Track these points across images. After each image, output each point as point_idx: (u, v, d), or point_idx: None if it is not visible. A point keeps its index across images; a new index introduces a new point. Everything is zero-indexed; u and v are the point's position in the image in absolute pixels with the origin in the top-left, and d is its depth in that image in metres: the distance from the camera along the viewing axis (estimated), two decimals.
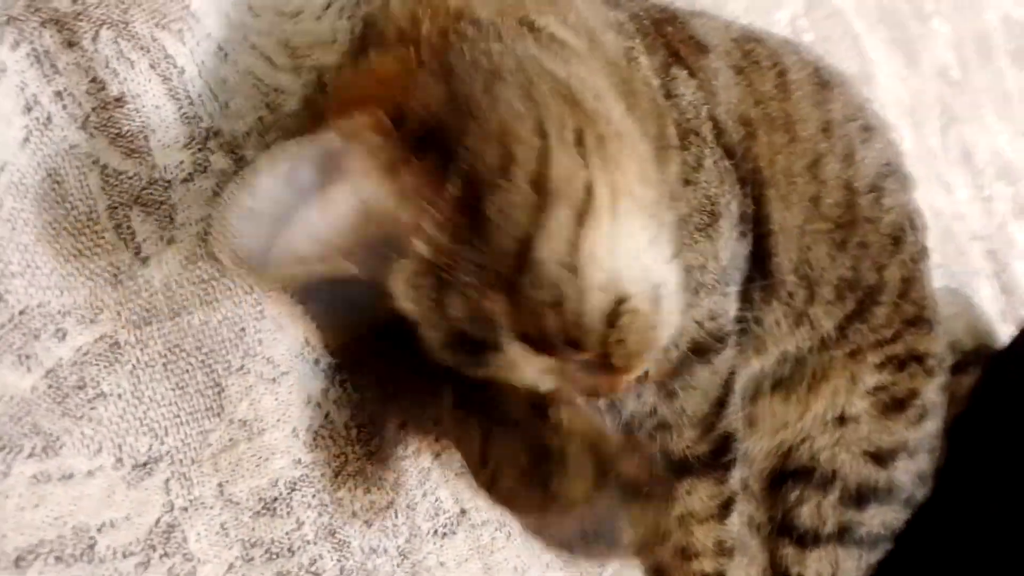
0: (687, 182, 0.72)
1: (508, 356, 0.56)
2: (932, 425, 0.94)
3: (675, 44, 0.81)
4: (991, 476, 0.97)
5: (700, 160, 0.73)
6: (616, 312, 0.57)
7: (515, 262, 0.54)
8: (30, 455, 0.54)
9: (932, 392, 0.94)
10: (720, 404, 0.82)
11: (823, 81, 0.93)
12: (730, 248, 0.77)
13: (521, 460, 0.60)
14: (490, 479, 0.63)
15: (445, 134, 0.54)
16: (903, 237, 0.93)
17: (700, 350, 0.77)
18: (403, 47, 0.58)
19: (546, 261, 0.54)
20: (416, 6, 0.60)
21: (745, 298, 0.84)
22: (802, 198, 0.87)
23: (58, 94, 0.59)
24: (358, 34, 0.68)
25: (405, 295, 0.54)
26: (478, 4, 0.61)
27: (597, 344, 0.57)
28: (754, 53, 0.89)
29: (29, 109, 0.58)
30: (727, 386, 0.81)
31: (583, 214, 0.55)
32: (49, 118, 0.59)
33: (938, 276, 1.23)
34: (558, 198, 0.55)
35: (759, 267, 0.85)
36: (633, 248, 0.58)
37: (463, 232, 0.53)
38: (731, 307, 0.80)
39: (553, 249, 0.54)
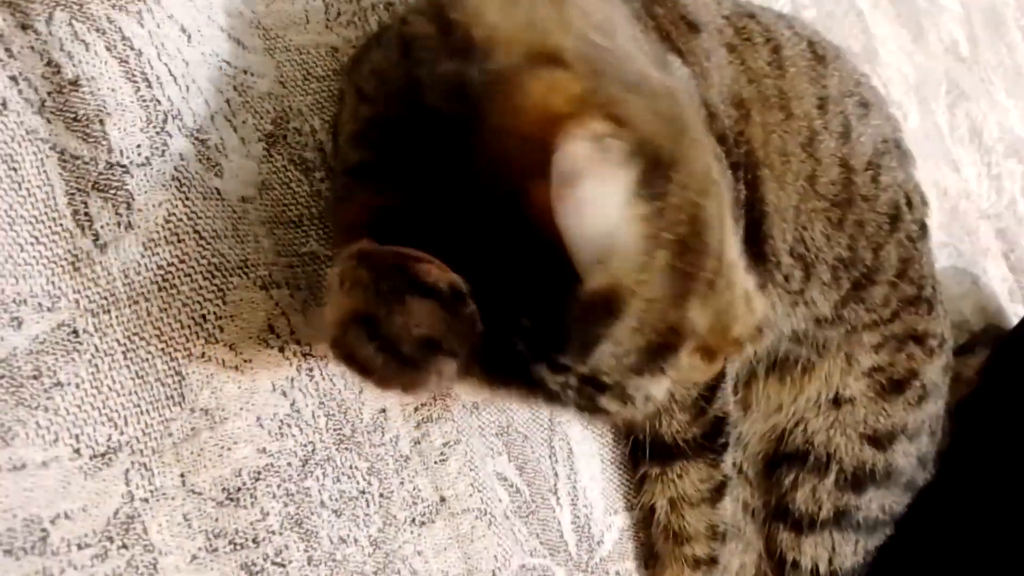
0: None
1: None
2: (933, 407, 0.92)
3: (666, 27, 0.80)
4: (999, 459, 0.95)
5: None
6: None
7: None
8: None
9: (933, 373, 0.92)
10: (711, 388, 0.81)
11: (818, 56, 0.91)
12: None
13: None
14: None
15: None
16: (900, 215, 0.90)
17: None
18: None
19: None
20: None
21: None
22: (797, 177, 0.85)
23: (13, 79, 0.58)
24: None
25: None
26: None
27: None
28: (747, 29, 0.87)
29: None
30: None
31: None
32: (4, 103, 0.58)
33: (945, 255, 1.21)
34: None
35: (755, 252, 0.83)
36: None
37: None
38: None
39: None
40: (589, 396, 0.55)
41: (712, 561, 0.83)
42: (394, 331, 0.50)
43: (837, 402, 0.88)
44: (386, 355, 0.50)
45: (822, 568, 0.87)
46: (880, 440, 0.88)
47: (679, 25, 0.81)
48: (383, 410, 0.69)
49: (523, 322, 0.52)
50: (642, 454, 0.83)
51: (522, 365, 0.53)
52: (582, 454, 0.82)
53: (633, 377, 0.55)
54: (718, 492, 0.83)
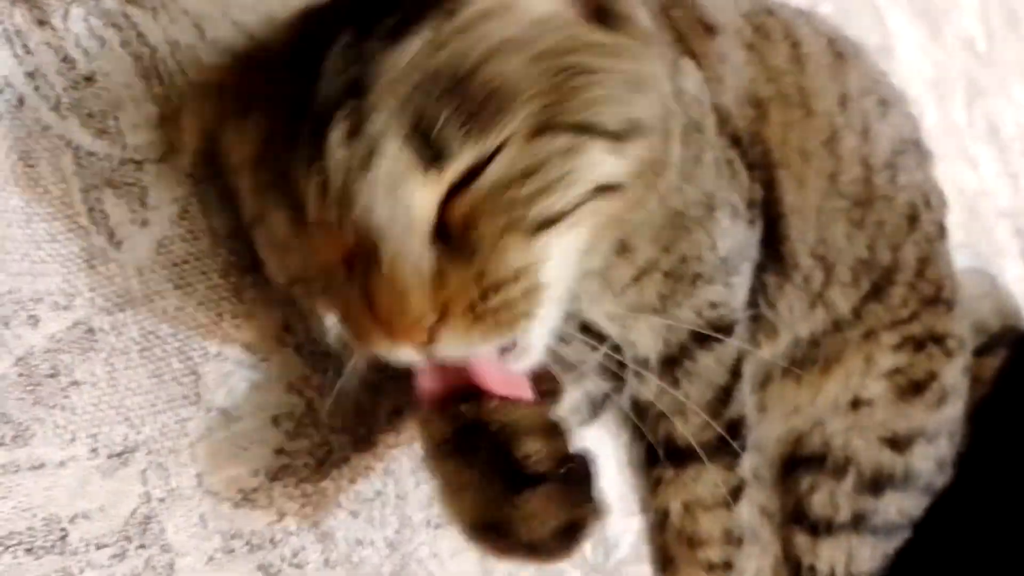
0: (685, 177, 0.70)
1: None
2: (952, 409, 0.91)
3: (682, 29, 0.79)
4: (1018, 461, 0.94)
5: (699, 156, 0.71)
6: None
7: None
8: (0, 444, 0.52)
9: (952, 374, 0.91)
10: (726, 391, 0.80)
11: (838, 53, 0.90)
12: (731, 239, 0.75)
13: None
14: None
15: None
16: (918, 216, 0.90)
17: (701, 338, 0.75)
18: None
19: None
20: None
21: (758, 285, 0.82)
22: (819, 176, 0.84)
23: (30, 75, 0.58)
24: None
25: None
26: None
27: None
28: (766, 26, 0.87)
29: (1, 91, 0.57)
30: (734, 373, 0.79)
31: None
32: (21, 100, 0.57)
33: (963, 255, 1.20)
34: None
35: (771, 253, 0.82)
36: None
37: None
38: (735, 296, 0.77)
39: None
40: None
41: (727, 565, 0.82)
42: (527, 539, 0.51)
43: (856, 404, 0.87)
44: (529, 553, 0.52)
45: (839, 572, 0.86)
46: (899, 443, 0.87)
47: (696, 27, 0.80)
48: (398, 410, 0.69)
49: None
50: (656, 456, 0.82)
51: None
52: (598, 456, 0.81)
53: None
54: (734, 496, 0.82)
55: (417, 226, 0.47)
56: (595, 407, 0.76)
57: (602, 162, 0.51)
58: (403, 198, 0.46)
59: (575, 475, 0.53)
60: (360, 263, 0.47)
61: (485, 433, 0.52)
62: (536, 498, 0.51)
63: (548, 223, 0.49)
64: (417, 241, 0.47)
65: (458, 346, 0.48)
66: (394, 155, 0.45)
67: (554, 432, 0.54)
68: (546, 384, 0.59)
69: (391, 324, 0.46)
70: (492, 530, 0.52)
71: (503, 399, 0.53)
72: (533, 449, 0.52)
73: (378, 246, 0.46)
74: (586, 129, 0.50)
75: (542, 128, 0.48)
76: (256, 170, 0.50)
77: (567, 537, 0.52)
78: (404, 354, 0.48)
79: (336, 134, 0.45)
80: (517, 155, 0.48)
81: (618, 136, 0.52)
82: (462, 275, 0.47)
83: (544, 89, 0.48)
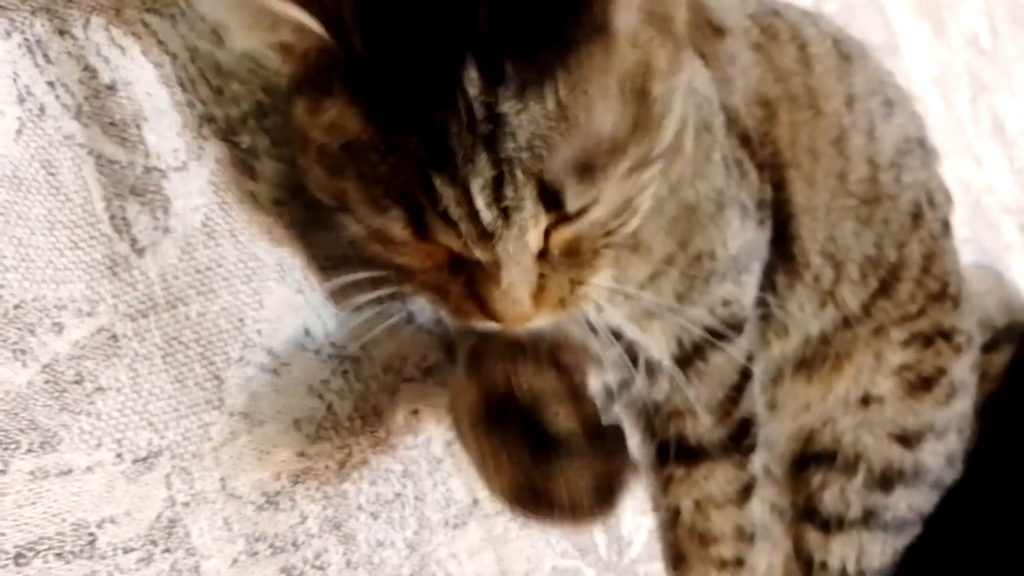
0: (697, 173, 0.71)
1: None
2: (961, 405, 0.92)
3: (690, 31, 0.79)
4: None
5: (709, 154, 0.72)
6: None
7: None
8: (28, 451, 0.53)
9: (961, 370, 0.92)
10: (737, 389, 0.81)
11: (844, 53, 0.91)
12: (741, 237, 0.76)
13: None
14: None
15: None
16: (922, 214, 0.91)
17: (713, 335, 0.76)
18: None
19: None
20: None
21: (768, 284, 0.83)
22: (828, 175, 0.85)
23: (51, 84, 0.58)
24: None
25: None
26: None
27: None
28: (773, 27, 0.87)
29: (22, 100, 0.57)
30: (744, 372, 0.80)
31: None
32: (42, 109, 0.58)
33: (968, 251, 1.20)
34: None
35: (781, 252, 0.83)
36: None
37: None
38: (746, 294, 0.78)
39: None
40: None
41: (739, 562, 0.83)
42: (565, 500, 0.54)
43: (865, 401, 0.88)
44: (569, 513, 0.54)
45: (850, 568, 0.87)
46: (909, 439, 0.88)
47: (704, 29, 0.81)
48: (415, 411, 0.69)
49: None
50: (667, 455, 0.83)
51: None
52: None
53: None
54: (745, 493, 0.83)
55: (531, 252, 0.53)
56: (610, 397, 0.77)
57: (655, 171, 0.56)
58: (527, 236, 0.52)
59: (605, 435, 0.55)
60: (472, 270, 0.53)
61: (514, 401, 0.56)
62: (568, 460, 0.54)
63: (629, 237, 0.58)
64: (529, 263, 0.53)
65: (543, 324, 0.57)
66: (529, 211, 0.51)
67: (581, 396, 0.57)
68: (574, 357, 0.62)
69: (498, 316, 0.54)
70: (529, 496, 0.55)
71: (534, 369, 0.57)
72: (560, 412, 0.55)
73: (496, 272, 0.52)
74: (661, 154, 0.55)
75: (637, 166, 0.53)
76: (343, 155, 0.52)
77: (604, 496, 0.54)
78: (495, 327, 0.56)
79: (478, 190, 0.49)
80: (615, 193, 0.53)
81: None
82: (559, 281, 0.55)
83: (640, 131, 0.53)
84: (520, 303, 0.53)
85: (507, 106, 0.48)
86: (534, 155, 0.49)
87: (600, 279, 0.58)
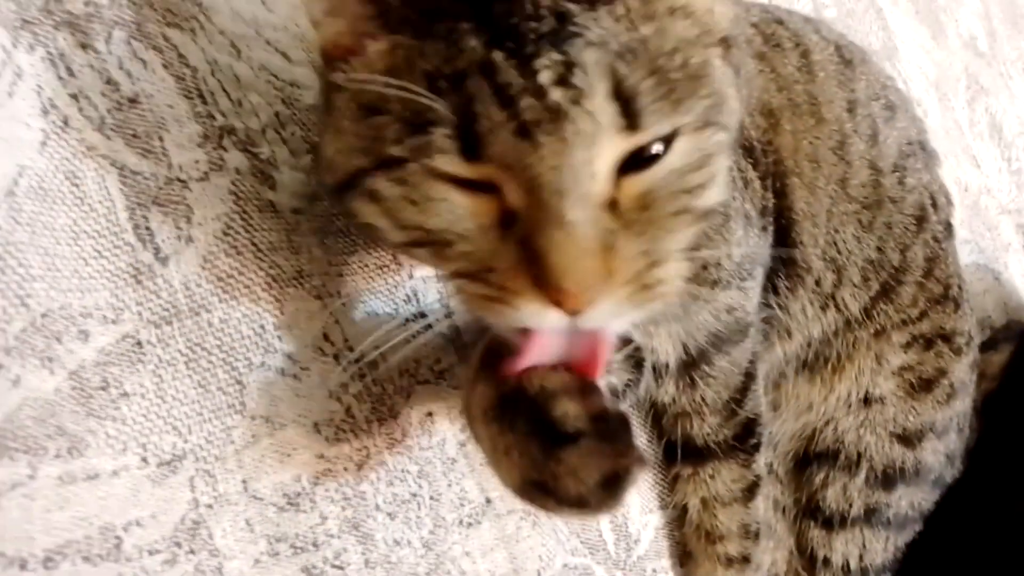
0: None
1: None
2: (961, 404, 0.94)
3: None
4: None
5: None
6: None
7: None
8: (56, 456, 0.54)
9: (961, 371, 0.93)
10: (741, 391, 0.82)
11: (846, 60, 0.92)
12: (745, 245, 0.77)
13: None
14: None
15: None
16: (926, 216, 0.92)
17: (718, 340, 0.77)
18: None
19: None
20: None
21: (771, 288, 0.84)
22: (829, 181, 0.86)
23: (74, 96, 0.60)
24: None
25: None
26: None
27: None
28: (776, 35, 0.89)
29: (46, 112, 0.59)
30: (748, 374, 0.82)
31: None
32: (66, 120, 0.59)
33: (967, 251, 1.22)
34: None
35: (784, 257, 0.84)
36: None
37: None
38: (749, 300, 0.80)
39: None
40: None
41: (745, 559, 0.85)
42: (572, 494, 0.53)
43: (867, 401, 0.90)
44: (577, 506, 0.54)
45: (853, 565, 0.88)
46: (910, 438, 0.89)
47: None
48: (429, 413, 0.71)
49: None
50: (674, 455, 0.84)
51: None
52: None
53: None
54: (750, 492, 0.85)
55: (598, 190, 0.48)
56: (616, 398, 0.78)
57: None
58: (595, 156, 0.47)
59: (612, 429, 0.55)
60: (527, 222, 0.48)
61: (524, 397, 0.55)
62: (576, 453, 0.54)
63: (709, 212, 0.54)
64: (596, 206, 0.48)
65: (608, 315, 0.50)
66: (599, 107, 0.46)
67: (588, 391, 0.56)
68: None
69: (560, 284, 0.47)
70: (539, 488, 0.55)
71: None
72: (569, 408, 0.55)
73: (559, 203, 0.46)
74: (726, 127, 0.54)
75: (706, 123, 0.51)
76: (385, 86, 0.48)
77: (611, 488, 0.54)
78: (549, 319, 0.49)
79: (546, 75, 0.46)
80: (688, 145, 0.51)
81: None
82: (631, 247, 0.49)
83: (708, 77, 0.51)
84: (586, 257, 0.47)
85: (572, 6, 0.47)
86: (605, 51, 0.47)
87: (679, 268, 0.53)
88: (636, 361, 0.78)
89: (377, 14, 0.51)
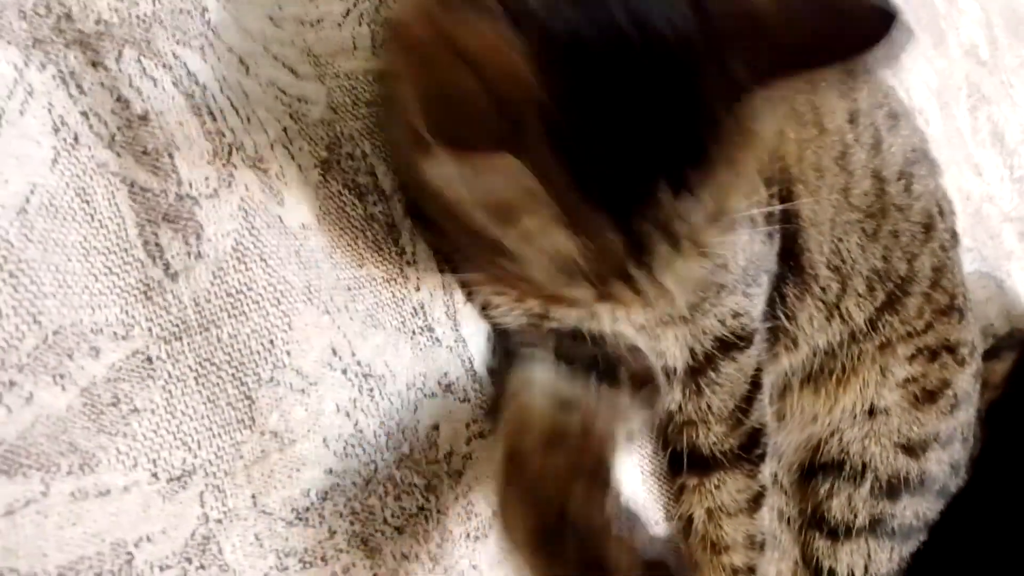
0: None
1: None
2: (965, 415, 0.94)
3: None
4: None
5: None
6: None
7: None
8: (68, 473, 0.55)
9: (964, 382, 0.94)
10: (747, 400, 0.83)
11: (848, 69, 0.92)
12: (750, 251, 0.77)
13: None
14: None
15: None
16: (933, 224, 0.92)
17: (724, 347, 0.78)
18: None
19: None
20: None
21: (779, 297, 0.85)
22: (832, 190, 0.87)
23: (84, 114, 0.60)
24: None
25: None
26: None
27: None
28: None
29: (57, 130, 0.59)
30: (754, 383, 0.82)
31: None
32: (76, 138, 0.60)
33: (969, 259, 1.22)
34: None
35: (791, 265, 0.85)
36: None
37: None
38: (755, 306, 0.80)
39: None
40: None
41: (750, 570, 0.85)
42: None
43: (872, 412, 0.90)
44: None
45: (858, 575, 0.89)
46: (914, 449, 0.90)
47: None
48: (436, 426, 0.71)
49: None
50: (680, 465, 0.85)
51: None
52: (623, 466, 0.84)
53: None
54: (755, 502, 0.85)
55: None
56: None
57: None
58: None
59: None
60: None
61: (570, 527, 0.62)
62: None
63: None
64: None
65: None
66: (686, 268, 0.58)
67: (631, 525, 0.63)
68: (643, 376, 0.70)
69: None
70: None
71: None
72: (621, 559, 0.61)
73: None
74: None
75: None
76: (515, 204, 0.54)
77: None
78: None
79: (658, 260, 0.57)
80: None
81: None
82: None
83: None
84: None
85: (686, 202, 0.55)
86: (698, 226, 0.57)
87: None
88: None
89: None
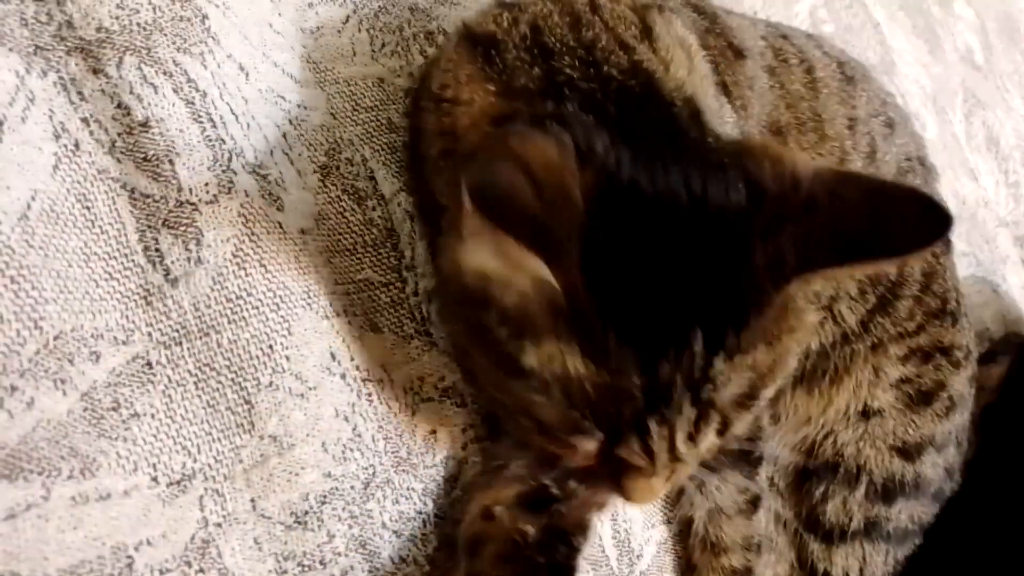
0: None
1: None
2: (960, 418, 0.94)
3: (716, 58, 0.82)
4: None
5: None
6: None
7: None
8: (69, 477, 0.55)
9: (959, 384, 0.94)
10: None
11: (848, 77, 0.93)
12: None
13: None
14: None
15: None
16: None
17: None
18: None
19: None
20: None
21: None
22: None
23: (85, 120, 0.61)
24: None
25: None
26: None
27: None
28: (784, 51, 0.90)
29: (58, 136, 0.59)
30: None
31: None
32: (77, 144, 0.60)
33: (965, 264, 1.23)
34: None
35: None
36: None
37: None
38: None
39: None
40: None
41: (747, 572, 0.86)
42: None
43: (866, 414, 0.90)
44: None
45: None
46: (909, 451, 0.90)
47: (726, 54, 0.83)
48: (433, 431, 0.72)
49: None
50: None
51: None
52: None
53: None
54: (753, 504, 0.86)
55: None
56: None
57: None
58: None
59: None
60: (622, 467, 0.57)
61: None
62: None
63: None
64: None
65: None
66: (710, 441, 0.57)
67: None
68: None
69: (632, 499, 0.59)
70: None
71: None
72: None
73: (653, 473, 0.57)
74: None
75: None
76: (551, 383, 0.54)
77: None
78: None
79: (681, 436, 0.55)
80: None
81: None
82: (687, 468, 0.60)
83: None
84: (656, 492, 0.59)
85: (719, 366, 0.53)
86: (727, 400, 0.55)
87: None
88: None
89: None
